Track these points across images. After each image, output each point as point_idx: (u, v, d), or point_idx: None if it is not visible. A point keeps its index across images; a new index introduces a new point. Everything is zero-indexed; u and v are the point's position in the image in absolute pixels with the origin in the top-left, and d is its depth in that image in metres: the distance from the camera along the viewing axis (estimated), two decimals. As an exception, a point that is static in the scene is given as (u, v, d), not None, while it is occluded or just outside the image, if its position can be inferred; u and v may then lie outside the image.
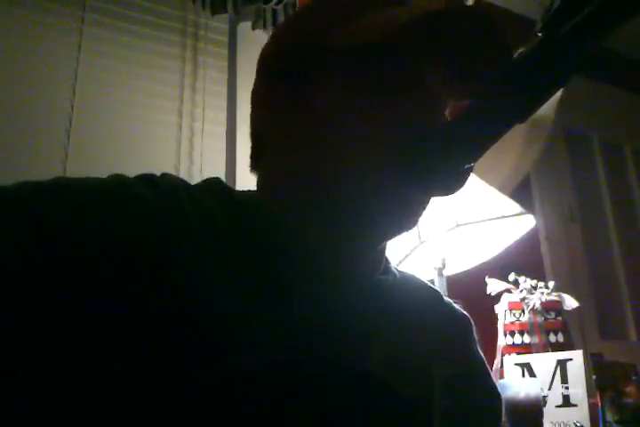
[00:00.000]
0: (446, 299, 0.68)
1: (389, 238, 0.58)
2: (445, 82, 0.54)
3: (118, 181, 0.50)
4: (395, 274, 0.63)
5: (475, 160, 0.50)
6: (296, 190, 0.56)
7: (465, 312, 0.68)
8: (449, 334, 0.63)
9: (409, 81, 0.53)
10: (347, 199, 0.53)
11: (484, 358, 0.67)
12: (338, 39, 0.53)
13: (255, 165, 0.62)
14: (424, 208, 0.56)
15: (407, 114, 0.52)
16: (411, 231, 0.56)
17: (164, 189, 0.52)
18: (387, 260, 0.64)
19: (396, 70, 0.52)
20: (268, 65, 0.60)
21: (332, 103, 0.54)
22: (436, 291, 0.68)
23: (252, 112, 0.62)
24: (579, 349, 1.42)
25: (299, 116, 0.55)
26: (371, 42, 0.51)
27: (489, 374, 0.67)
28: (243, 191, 0.60)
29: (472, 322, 0.68)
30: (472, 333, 0.67)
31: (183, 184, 0.55)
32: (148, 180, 0.52)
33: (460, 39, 0.51)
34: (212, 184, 0.57)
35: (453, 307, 0.68)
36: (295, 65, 0.56)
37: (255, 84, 0.62)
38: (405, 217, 0.54)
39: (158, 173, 0.55)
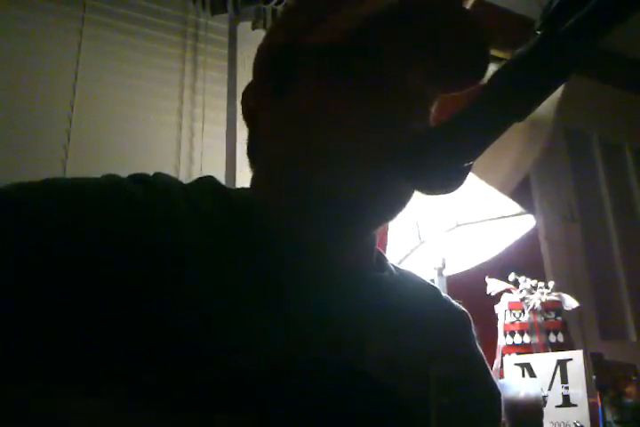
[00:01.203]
0: (444, 295, 0.68)
1: (376, 228, 0.59)
2: (428, 77, 0.55)
3: (113, 182, 0.50)
4: (392, 271, 0.63)
5: (473, 159, 0.50)
6: (285, 188, 0.56)
7: (464, 309, 0.68)
8: (447, 330, 0.63)
9: (387, 77, 0.53)
10: (332, 196, 0.53)
11: (484, 355, 0.67)
12: (314, 37, 0.54)
13: (252, 163, 0.62)
14: (410, 195, 0.57)
15: (389, 110, 0.52)
16: (410, 231, 0.57)
17: (159, 188, 0.52)
18: (384, 257, 0.64)
19: (373, 67, 0.53)
20: (257, 63, 0.61)
21: (315, 101, 0.54)
22: (435, 287, 0.68)
23: (243, 112, 0.62)
24: (579, 349, 1.42)
25: (285, 115, 0.56)
26: (344, 39, 0.51)
27: (488, 372, 0.67)
28: (237, 189, 0.60)
29: (471, 319, 0.68)
30: (471, 329, 0.67)
31: (177, 183, 0.55)
32: (141, 180, 0.52)
33: (435, 30, 0.51)
34: (207, 183, 0.57)
35: (452, 303, 0.68)
36: (280, 63, 0.57)
37: (248, 84, 0.63)
38: (391, 207, 0.56)
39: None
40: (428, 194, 0.55)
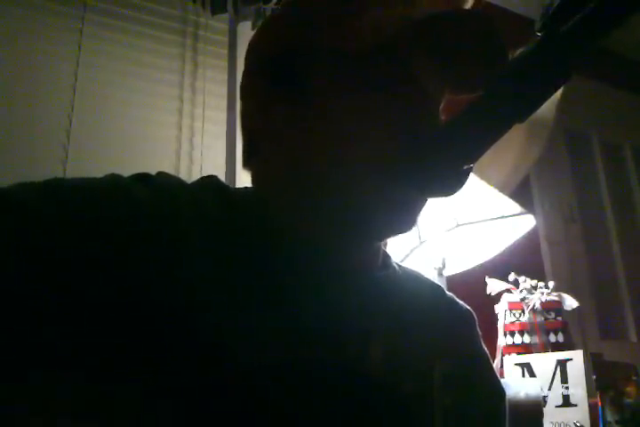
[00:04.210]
0: (449, 294, 0.68)
1: (387, 237, 0.58)
2: (440, 81, 0.54)
3: (114, 182, 0.50)
4: (395, 269, 0.63)
5: (474, 161, 0.50)
6: (293, 190, 0.55)
7: (468, 307, 0.68)
8: (451, 329, 0.63)
9: (403, 82, 0.52)
10: (343, 200, 0.53)
11: (488, 354, 0.67)
12: (331, 40, 0.53)
13: (247, 163, 0.61)
14: (421, 207, 0.55)
15: (402, 115, 0.52)
16: (410, 231, 0.56)
17: (160, 188, 0.51)
18: (387, 255, 0.64)
19: (391, 72, 0.52)
20: (258, 64, 0.60)
21: (326, 104, 0.53)
22: (438, 286, 0.68)
23: (242, 109, 0.61)
24: (579, 349, 1.42)
25: (292, 117, 0.55)
26: (365, 44, 0.51)
27: (493, 371, 0.66)
28: (240, 189, 0.60)
29: (475, 317, 0.68)
30: (475, 327, 0.67)
31: (179, 183, 0.55)
32: (143, 180, 0.52)
33: (456, 40, 0.50)
34: (209, 183, 0.57)
35: (456, 302, 0.67)
36: (287, 65, 0.56)
37: (244, 81, 0.61)
38: (402, 216, 0.54)
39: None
40: (428, 197, 0.55)
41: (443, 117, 0.56)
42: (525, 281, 1.60)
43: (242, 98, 0.61)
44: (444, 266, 1.38)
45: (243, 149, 0.61)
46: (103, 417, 0.42)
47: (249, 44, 0.62)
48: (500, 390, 0.65)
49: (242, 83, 0.62)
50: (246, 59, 0.62)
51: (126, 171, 0.54)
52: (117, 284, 0.44)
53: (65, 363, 0.42)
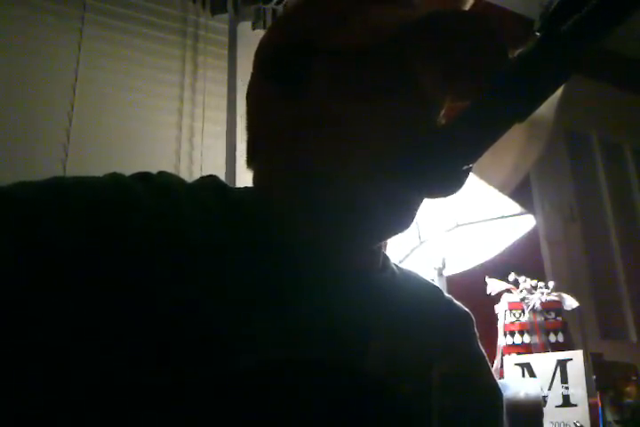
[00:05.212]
0: (446, 295, 0.68)
1: (387, 238, 0.58)
2: (441, 83, 0.54)
3: (115, 180, 0.50)
4: (394, 270, 0.63)
5: (474, 161, 0.50)
6: (293, 190, 0.55)
7: (465, 309, 0.68)
8: (449, 330, 0.63)
9: (403, 82, 0.52)
10: (344, 200, 0.53)
11: (485, 354, 0.67)
12: (332, 40, 0.53)
13: (250, 162, 0.61)
14: (419, 206, 0.56)
15: (402, 115, 0.52)
16: (410, 231, 0.56)
17: (161, 186, 0.52)
18: (386, 256, 0.64)
19: (390, 72, 0.52)
20: (261, 62, 0.60)
21: (326, 104, 0.53)
22: (436, 287, 0.68)
23: (247, 108, 0.62)
24: (579, 349, 1.42)
25: (292, 117, 0.55)
26: (364, 44, 0.51)
27: (490, 372, 0.67)
28: (240, 188, 0.60)
29: (473, 318, 0.68)
30: (473, 329, 0.67)
31: (180, 182, 0.55)
32: (145, 179, 0.52)
33: (455, 41, 0.51)
34: (209, 182, 0.57)
35: (454, 303, 0.68)
36: (288, 64, 0.56)
37: (250, 80, 0.62)
38: (401, 216, 0.54)
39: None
40: (428, 197, 0.55)
41: (444, 122, 0.56)
42: (525, 281, 1.60)
43: (247, 96, 0.62)
44: (444, 266, 1.39)
45: (246, 148, 0.62)
46: (102, 415, 0.42)
47: (258, 44, 0.62)
48: (497, 391, 0.65)
49: (249, 82, 0.62)
50: (254, 58, 0.62)
51: (126, 171, 0.54)
52: (115, 282, 0.44)
53: (64, 361, 0.42)
